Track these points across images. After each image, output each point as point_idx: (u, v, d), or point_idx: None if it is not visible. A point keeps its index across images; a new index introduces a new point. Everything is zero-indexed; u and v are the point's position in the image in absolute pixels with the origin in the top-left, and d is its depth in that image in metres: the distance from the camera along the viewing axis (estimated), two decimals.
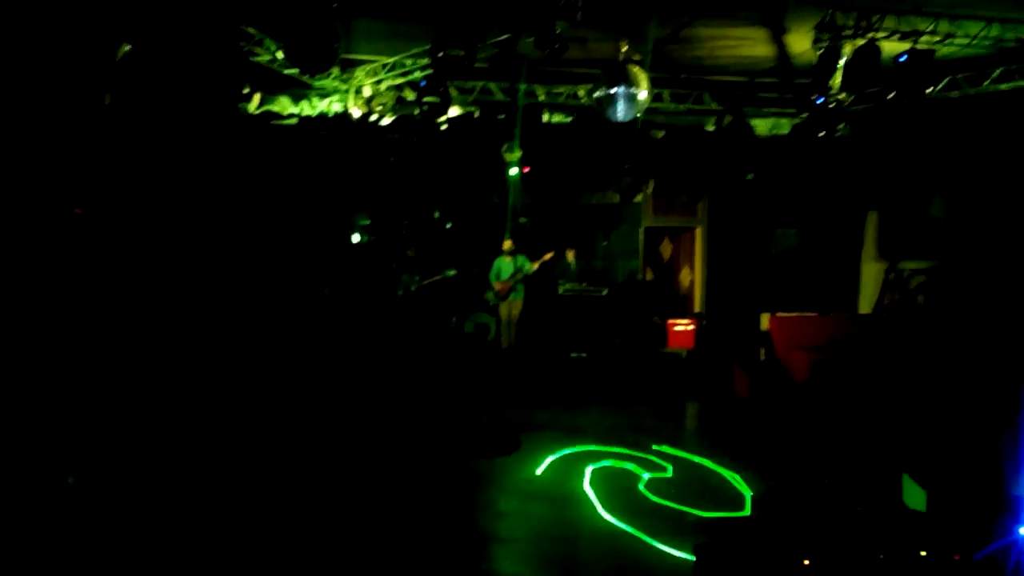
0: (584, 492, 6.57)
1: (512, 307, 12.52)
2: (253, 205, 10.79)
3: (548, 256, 12.50)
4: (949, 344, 9.82)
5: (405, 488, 6.57)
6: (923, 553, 3.69)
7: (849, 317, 11.99)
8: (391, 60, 10.14)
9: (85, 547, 4.91)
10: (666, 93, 11.10)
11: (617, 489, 6.63)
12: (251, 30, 9.14)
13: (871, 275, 13.49)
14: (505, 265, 12.41)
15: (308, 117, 10.80)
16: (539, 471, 7.08)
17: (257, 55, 9.34)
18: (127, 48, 7.59)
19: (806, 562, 3.51)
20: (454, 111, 10.91)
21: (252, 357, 9.28)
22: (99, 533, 5.12)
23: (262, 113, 10.60)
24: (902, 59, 8.55)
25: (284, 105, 10.72)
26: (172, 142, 9.38)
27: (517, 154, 11.59)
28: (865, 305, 13.37)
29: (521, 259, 12.37)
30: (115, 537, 5.12)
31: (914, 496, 5.38)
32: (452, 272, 12.38)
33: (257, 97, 10.28)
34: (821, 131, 10.51)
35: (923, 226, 12.80)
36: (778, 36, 9.41)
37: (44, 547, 4.74)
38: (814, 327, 11.21)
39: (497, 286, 12.45)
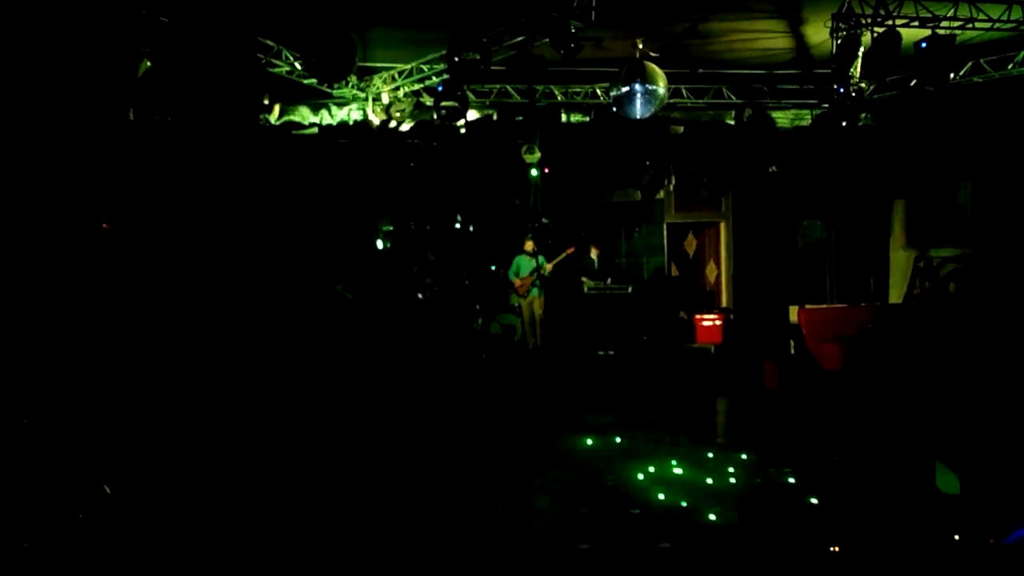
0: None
1: (534, 305, 12.52)
2: (277, 214, 10.89)
3: (570, 251, 12.48)
4: (981, 331, 9.69)
5: (441, 492, 6.58)
6: (956, 537, 3.65)
7: (879, 307, 11.85)
8: (408, 66, 10.22)
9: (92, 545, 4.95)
10: (684, 88, 11.08)
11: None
12: (269, 42, 9.27)
13: (900, 264, 13.32)
14: (525, 263, 12.43)
15: (329, 126, 10.90)
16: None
17: (276, 66, 9.46)
18: (148, 64, 7.73)
19: (835, 548, 3.49)
20: (472, 114, 10.96)
21: (282, 365, 9.36)
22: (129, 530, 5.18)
23: (283, 124, 10.71)
24: (923, 45, 8.47)
25: (304, 115, 10.84)
26: (195, 154, 9.50)
27: (537, 155, 11.60)
28: (895, 295, 13.20)
29: (542, 259, 12.41)
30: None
31: (947, 481, 5.32)
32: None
33: (277, 108, 10.40)
34: (843, 121, 10.42)
35: (951, 213, 12.62)
36: (795, 27, 9.37)
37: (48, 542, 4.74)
38: (844, 318, 11.09)
39: (516, 283, 12.48)
